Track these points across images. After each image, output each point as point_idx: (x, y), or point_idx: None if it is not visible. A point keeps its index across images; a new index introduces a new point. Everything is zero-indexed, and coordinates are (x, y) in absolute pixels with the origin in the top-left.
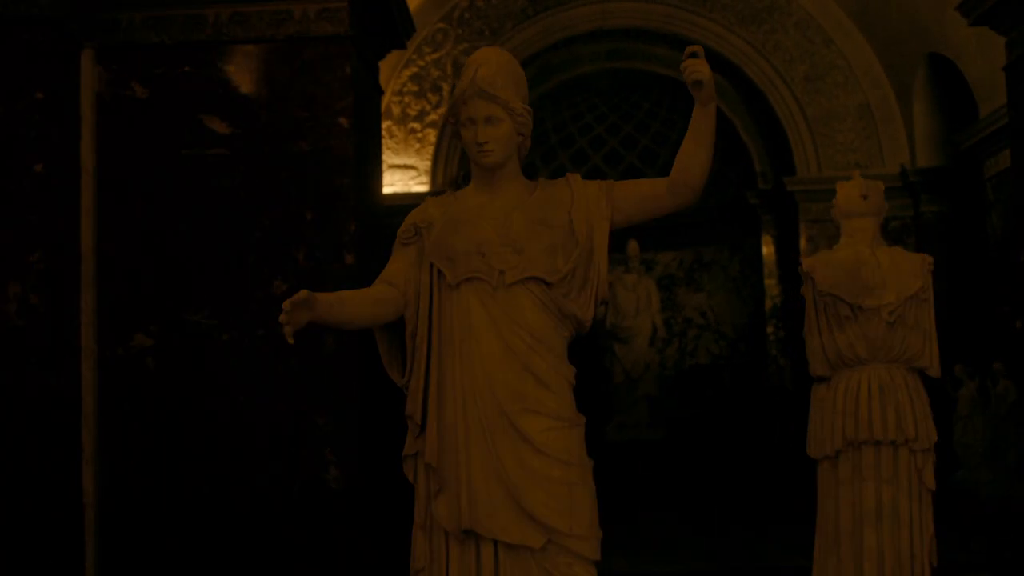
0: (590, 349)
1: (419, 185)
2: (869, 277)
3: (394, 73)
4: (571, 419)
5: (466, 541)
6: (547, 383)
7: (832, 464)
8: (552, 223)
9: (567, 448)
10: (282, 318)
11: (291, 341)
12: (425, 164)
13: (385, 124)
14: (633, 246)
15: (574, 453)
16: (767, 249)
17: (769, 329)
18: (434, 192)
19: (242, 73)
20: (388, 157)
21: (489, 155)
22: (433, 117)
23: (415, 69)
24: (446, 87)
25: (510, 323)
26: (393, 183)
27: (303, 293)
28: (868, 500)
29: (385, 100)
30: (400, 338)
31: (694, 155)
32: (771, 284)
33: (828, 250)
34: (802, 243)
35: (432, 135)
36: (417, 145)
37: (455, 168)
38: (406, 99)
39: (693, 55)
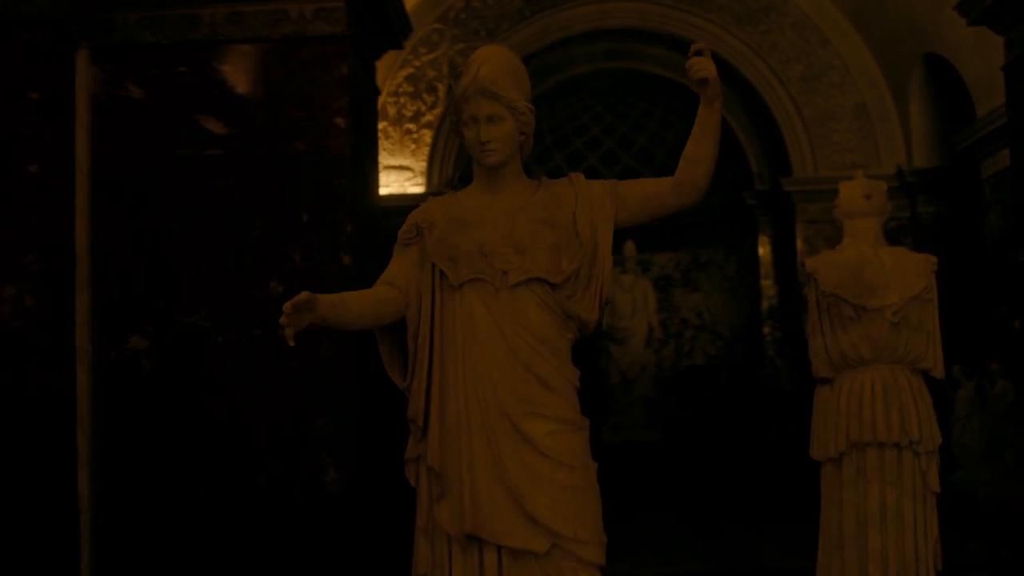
0: (586, 350)
1: (415, 186)
2: (872, 277)
3: (390, 74)
4: (575, 422)
5: (469, 546)
6: (550, 385)
7: (836, 466)
8: (555, 223)
9: (571, 451)
10: (283, 320)
11: (292, 343)
12: (421, 165)
13: (381, 125)
14: (629, 247)
15: (578, 456)
16: (763, 250)
17: (766, 330)
18: (430, 193)
19: (238, 73)
20: (383, 158)
21: (491, 154)
22: (429, 118)
23: (411, 70)
24: (442, 88)
25: (513, 325)
26: (389, 184)
27: (304, 295)
28: (872, 502)
29: (380, 101)
30: (402, 340)
31: (700, 153)
32: (768, 285)
33: (831, 250)
34: (799, 244)
35: (428, 136)
36: (413, 146)
37: (451, 169)
38: (402, 100)
39: (699, 53)
